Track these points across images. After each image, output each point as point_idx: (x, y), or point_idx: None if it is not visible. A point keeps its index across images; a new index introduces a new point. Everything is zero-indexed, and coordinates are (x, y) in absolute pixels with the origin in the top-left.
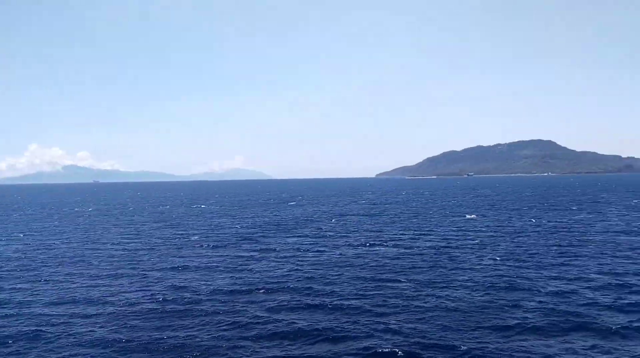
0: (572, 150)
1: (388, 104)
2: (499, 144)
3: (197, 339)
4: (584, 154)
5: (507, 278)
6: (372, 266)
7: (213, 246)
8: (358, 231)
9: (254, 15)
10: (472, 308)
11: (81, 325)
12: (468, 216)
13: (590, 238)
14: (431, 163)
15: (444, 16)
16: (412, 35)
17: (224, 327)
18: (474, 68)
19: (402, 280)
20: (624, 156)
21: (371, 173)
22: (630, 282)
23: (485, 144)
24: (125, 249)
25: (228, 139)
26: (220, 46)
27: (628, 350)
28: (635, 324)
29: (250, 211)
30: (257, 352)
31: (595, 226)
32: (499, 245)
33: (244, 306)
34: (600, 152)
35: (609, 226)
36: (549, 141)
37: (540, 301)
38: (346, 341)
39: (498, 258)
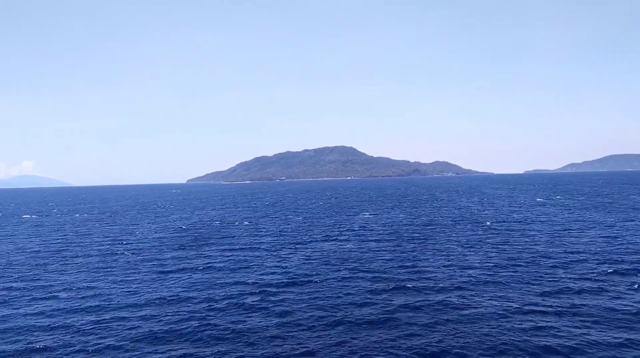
0: (370, 156)
1: (197, 108)
2: (306, 150)
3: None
4: (380, 159)
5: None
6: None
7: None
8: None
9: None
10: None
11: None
12: (365, 215)
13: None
14: (243, 167)
15: (247, 26)
16: (221, 40)
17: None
18: (281, 77)
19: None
20: (412, 161)
21: (182, 179)
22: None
23: (294, 149)
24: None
25: (10, 142)
26: None
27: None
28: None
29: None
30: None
31: (484, 212)
32: (437, 236)
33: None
34: (393, 157)
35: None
36: (351, 147)
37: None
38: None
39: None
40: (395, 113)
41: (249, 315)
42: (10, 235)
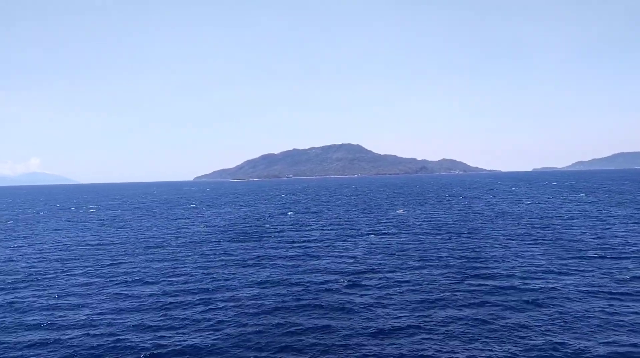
0: (377, 153)
1: (203, 106)
2: (313, 148)
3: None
4: (387, 156)
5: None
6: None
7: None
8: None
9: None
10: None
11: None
12: (398, 211)
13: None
14: (250, 165)
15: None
16: (226, 38)
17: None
18: (287, 75)
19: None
20: (418, 158)
21: (189, 176)
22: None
23: (300, 147)
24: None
25: (20, 139)
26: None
27: None
28: None
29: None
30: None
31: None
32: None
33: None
34: (399, 155)
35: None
36: (357, 145)
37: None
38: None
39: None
40: (402, 110)
41: (347, 296)
42: (63, 229)
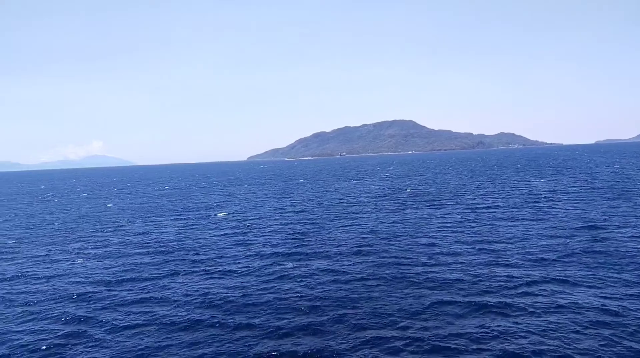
0: (431, 129)
1: (255, 86)
2: (365, 125)
3: None
4: (441, 132)
5: None
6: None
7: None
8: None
9: None
10: None
11: None
12: (533, 181)
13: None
14: (302, 144)
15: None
16: (279, 17)
17: None
18: (337, 55)
19: None
20: (475, 133)
21: (242, 156)
22: None
23: (352, 124)
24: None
25: (82, 122)
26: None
27: None
28: None
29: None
30: None
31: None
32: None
33: None
34: (454, 130)
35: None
36: (410, 121)
37: None
38: None
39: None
40: (455, 84)
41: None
42: (236, 203)
